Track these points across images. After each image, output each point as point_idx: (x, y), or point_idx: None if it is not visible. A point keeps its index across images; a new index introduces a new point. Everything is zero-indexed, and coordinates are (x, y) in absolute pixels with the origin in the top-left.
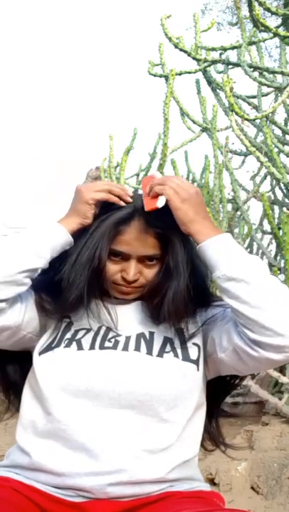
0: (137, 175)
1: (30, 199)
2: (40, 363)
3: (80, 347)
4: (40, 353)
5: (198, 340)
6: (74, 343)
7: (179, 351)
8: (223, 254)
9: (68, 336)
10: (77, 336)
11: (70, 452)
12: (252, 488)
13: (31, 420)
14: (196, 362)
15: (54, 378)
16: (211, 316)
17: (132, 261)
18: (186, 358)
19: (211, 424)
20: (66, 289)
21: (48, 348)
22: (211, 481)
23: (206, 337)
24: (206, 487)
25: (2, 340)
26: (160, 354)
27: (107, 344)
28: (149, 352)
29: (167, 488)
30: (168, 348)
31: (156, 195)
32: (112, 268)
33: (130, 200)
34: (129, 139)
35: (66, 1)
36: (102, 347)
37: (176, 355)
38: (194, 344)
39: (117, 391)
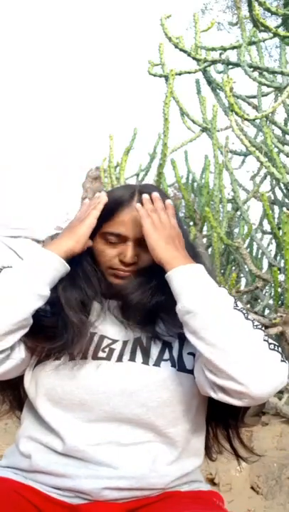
0: (137, 175)
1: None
2: (30, 378)
3: (71, 356)
4: (32, 368)
5: (193, 348)
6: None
7: (176, 360)
8: (186, 285)
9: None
10: None
11: (70, 458)
12: (252, 488)
13: (32, 434)
14: (191, 372)
15: (46, 394)
16: None
17: (130, 243)
18: (182, 368)
19: (231, 436)
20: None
21: (38, 362)
22: (211, 481)
23: None
24: (206, 487)
25: (13, 376)
26: (157, 362)
27: (100, 354)
28: (145, 361)
29: (166, 490)
30: (166, 355)
31: None
32: (109, 252)
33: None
34: (129, 139)
35: (66, 1)
36: (95, 357)
37: (173, 365)
38: (189, 354)
39: (112, 405)
